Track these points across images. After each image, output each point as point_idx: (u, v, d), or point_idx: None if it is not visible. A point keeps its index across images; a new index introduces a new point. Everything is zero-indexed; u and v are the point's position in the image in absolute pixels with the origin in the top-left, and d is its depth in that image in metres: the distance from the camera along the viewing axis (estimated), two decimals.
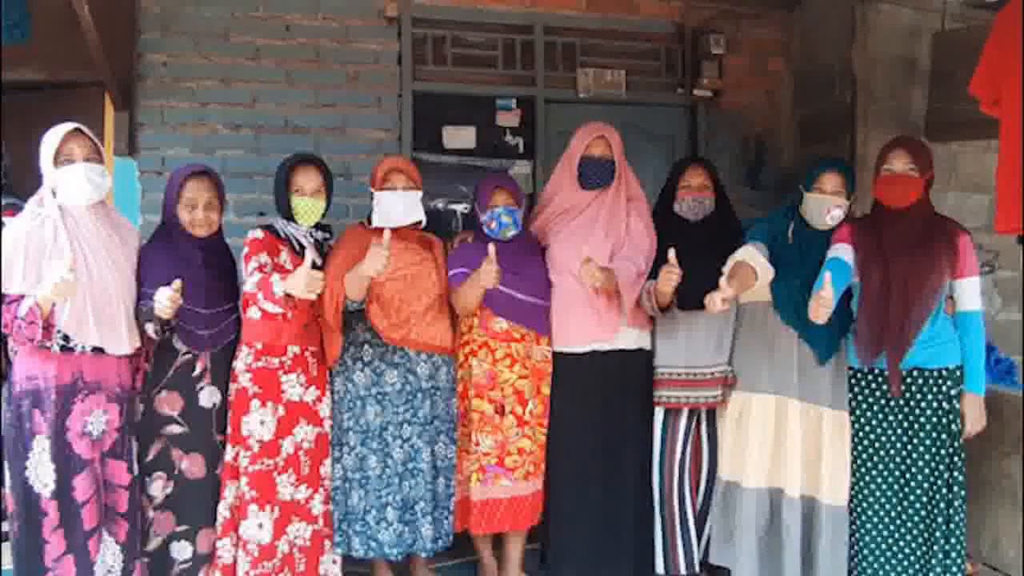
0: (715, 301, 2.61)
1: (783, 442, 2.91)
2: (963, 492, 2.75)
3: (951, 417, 2.75)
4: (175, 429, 2.68)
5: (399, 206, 2.92)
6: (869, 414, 2.84)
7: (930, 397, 2.76)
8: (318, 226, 2.91)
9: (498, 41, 4.22)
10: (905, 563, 2.80)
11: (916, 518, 2.78)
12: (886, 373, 2.78)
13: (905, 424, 2.79)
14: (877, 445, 2.83)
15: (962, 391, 2.76)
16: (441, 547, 2.99)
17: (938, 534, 2.74)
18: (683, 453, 3.07)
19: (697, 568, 3.09)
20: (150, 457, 2.68)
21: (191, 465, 2.70)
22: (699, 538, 3.10)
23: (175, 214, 2.68)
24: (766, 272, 2.78)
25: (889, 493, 2.82)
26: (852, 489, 2.87)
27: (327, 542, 2.89)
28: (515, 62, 4.23)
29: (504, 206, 2.98)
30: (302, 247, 2.80)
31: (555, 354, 3.06)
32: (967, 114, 3.22)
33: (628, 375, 3.06)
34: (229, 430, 2.74)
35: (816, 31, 4.31)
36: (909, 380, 2.77)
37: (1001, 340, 3.81)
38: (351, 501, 2.91)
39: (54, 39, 3.82)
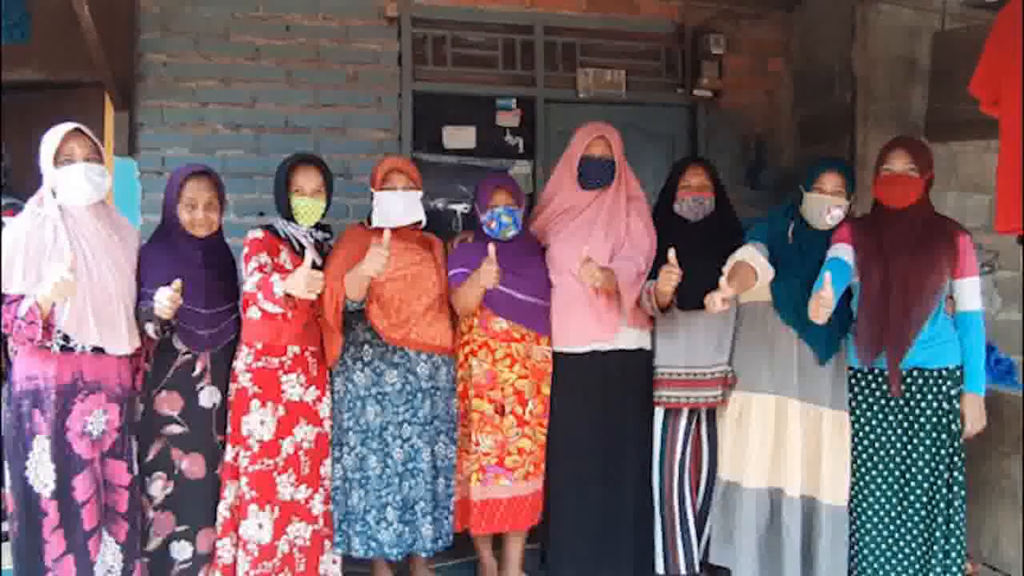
0: (715, 301, 2.61)
1: (783, 442, 2.91)
2: (963, 492, 2.75)
3: (951, 417, 2.75)
4: (175, 429, 2.68)
5: (399, 206, 2.92)
6: (869, 414, 2.84)
7: (930, 397, 2.76)
8: (318, 226, 2.91)
9: (498, 41, 4.22)
10: (905, 563, 2.81)
11: (916, 518, 2.78)
12: (886, 373, 2.78)
13: (905, 424, 2.80)
14: (877, 445, 2.83)
15: (962, 391, 2.76)
16: (441, 547, 3.00)
17: (938, 534, 2.74)
18: (683, 453, 3.07)
19: (697, 568, 3.09)
20: (150, 457, 2.68)
21: (191, 465, 2.70)
22: (699, 538, 3.10)
23: (175, 214, 2.68)
24: (766, 272, 2.78)
25: (889, 493, 2.82)
26: (852, 489, 2.87)
27: (327, 542, 2.89)
28: (515, 62, 4.23)
29: (504, 206, 2.98)
30: (302, 247, 2.80)
31: (555, 354, 3.06)
32: (967, 114, 3.22)
33: (628, 375, 3.06)
34: (229, 430, 2.74)
35: (816, 31, 4.31)
36: (909, 380, 2.77)
37: (1001, 340, 3.81)
38: (351, 501, 2.91)
39: (54, 39, 3.82)
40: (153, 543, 2.69)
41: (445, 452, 2.99)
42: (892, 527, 2.82)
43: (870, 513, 2.84)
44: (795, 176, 3.45)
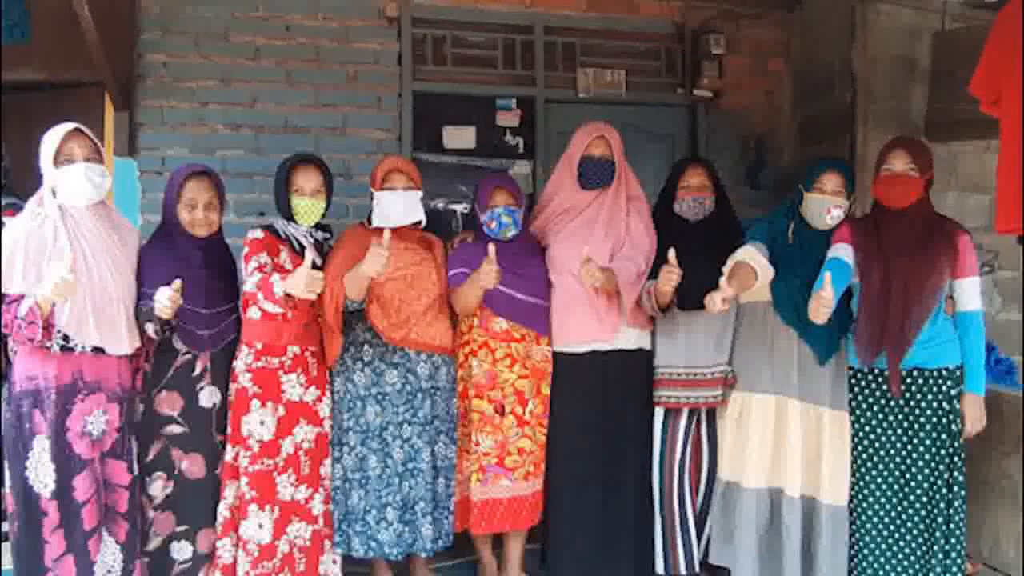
0: (715, 301, 2.61)
1: (783, 442, 2.91)
2: (963, 492, 2.75)
3: (951, 417, 2.75)
4: (175, 429, 2.68)
5: (399, 206, 2.92)
6: (869, 414, 2.84)
7: (930, 397, 2.76)
8: (318, 226, 2.91)
9: (498, 41, 4.21)
10: (905, 563, 2.81)
11: (916, 518, 2.78)
12: (886, 373, 2.78)
13: (905, 424, 2.80)
14: (877, 445, 2.83)
15: (962, 391, 2.76)
16: (441, 547, 3.00)
17: (938, 534, 2.74)
18: (683, 453, 3.07)
19: (697, 568, 3.09)
20: (150, 457, 2.68)
21: (191, 465, 2.70)
22: (699, 538, 3.10)
23: (175, 214, 2.68)
24: (766, 272, 2.78)
25: (889, 493, 2.82)
26: (852, 489, 2.87)
27: (327, 542, 2.89)
28: (515, 62, 4.23)
29: (504, 206, 2.98)
30: (302, 247, 2.80)
31: (555, 354, 3.06)
32: (967, 114, 3.22)
33: (628, 375, 3.06)
34: (229, 430, 2.74)
35: (816, 31, 4.31)
36: (909, 380, 2.77)
37: (1001, 340, 3.81)
38: (351, 501, 2.91)
39: (54, 39, 3.82)
40: (153, 543, 2.69)
41: (445, 452, 2.99)
42: (892, 527, 2.82)
43: (870, 513, 2.84)
44: (795, 176, 3.45)
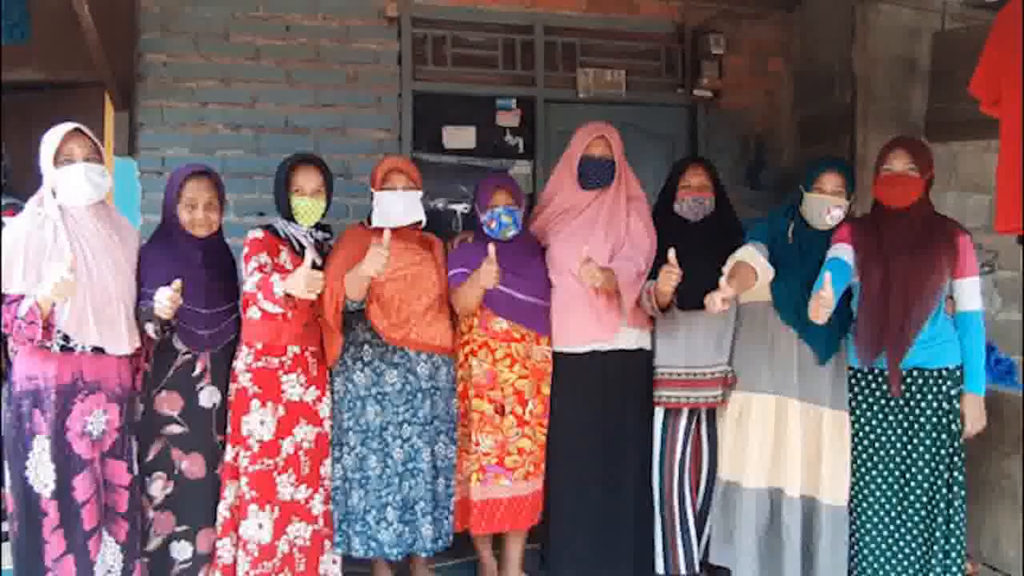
0: (715, 301, 2.61)
1: (783, 442, 2.91)
2: (963, 492, 2.75)
3: (951, 417, 2.75)
4: (175, 429, 2.68)
5: (399, 206, 2.92)
6: (869, 414, 2.84)
7: (930, 397, 2.76)
8: (318, 226, 2.91)
9: (498, 41, 4.21)
10: (905, 563, 2.81)
11: (916, 518, 2.78)
12: (886, 373, 2.78)
13: (905, 424, 2.80)
14: (877, 445, 2.83)
15: (962, 391, 2.76)
16: (441, 547, 3.00)
17: (938, 534, 2.74)
18: (683, 453, 3.07)
19: (697, 568, 3.09)
20: (150, 457, 2.68)
21: (191, 465, 2.70)
22: (699, 538, 3.10)
23: (175, 214, 2.68)
24: (766, 272, 2.78)
25: (889, 493, 2.82)
26: (852, 489, 2.87)
27: (327, 542, 2.89)
28: (515, 62, 4.23)
29: (504, 206, 2.99)
30: (302, 247, 2.80)
31: (555, 354, 3.06)
32: (967, 114, 3.22)
33: (628, 375, 3.06)
34: (229, 430, 2.74)
35: (816, 31, 4.31)
36: (909, 380, 2.77)
37: (1001, 340, 3.81)
38: (351, 501, 2.91)
39: (54, 39, 3.82)
40: (153, 543, 2.69)
41: (445, 452, 2.99)
42: (892, 527, 2.82)
43: (870, 513, 2.84)
44: (795, 176, 3.45)
